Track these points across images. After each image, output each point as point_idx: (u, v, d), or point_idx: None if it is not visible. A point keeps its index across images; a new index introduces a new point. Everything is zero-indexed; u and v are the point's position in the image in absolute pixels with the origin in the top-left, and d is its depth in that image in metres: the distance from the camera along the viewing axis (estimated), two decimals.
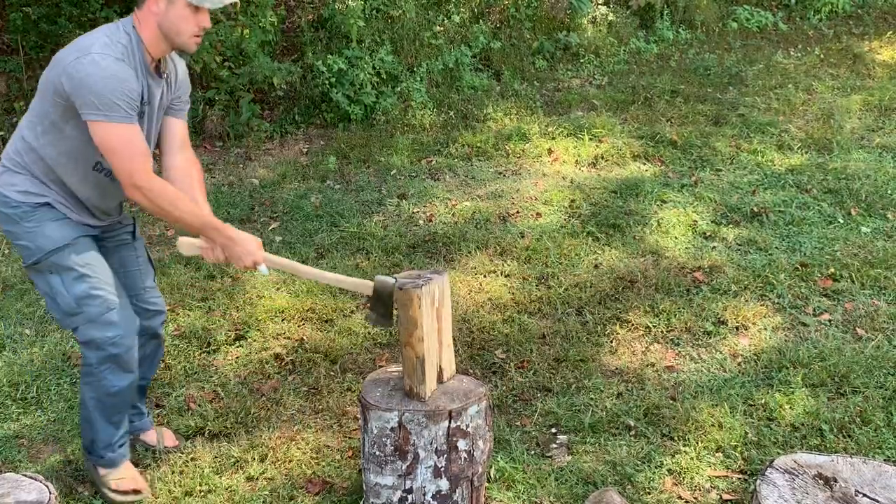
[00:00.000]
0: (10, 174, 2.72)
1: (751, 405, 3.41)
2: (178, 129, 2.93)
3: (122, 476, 2.99)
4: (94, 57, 2.51)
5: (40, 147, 2.67)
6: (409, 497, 2.69)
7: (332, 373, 3.75)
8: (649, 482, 3.01)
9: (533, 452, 3.20)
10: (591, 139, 6.50)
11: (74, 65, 2.50)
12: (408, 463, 2.65)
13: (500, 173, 6.07)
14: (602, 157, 6.19)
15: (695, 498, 2.94)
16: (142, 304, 3.03)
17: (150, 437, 3.25)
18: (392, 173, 6.12)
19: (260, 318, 4.18)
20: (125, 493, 2.98)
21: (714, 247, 4.77)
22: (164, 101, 2.81)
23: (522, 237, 4.97)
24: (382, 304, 2.72)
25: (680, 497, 2.94)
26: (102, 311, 2.74)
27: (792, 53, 8.62)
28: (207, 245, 2.78)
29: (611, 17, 8.88)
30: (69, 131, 2.63)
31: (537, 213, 5.31)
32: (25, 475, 2.40)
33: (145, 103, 2.68)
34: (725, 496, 2.93)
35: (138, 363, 2.97)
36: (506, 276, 4.53)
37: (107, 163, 2.64)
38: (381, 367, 3.46)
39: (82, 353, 2.85)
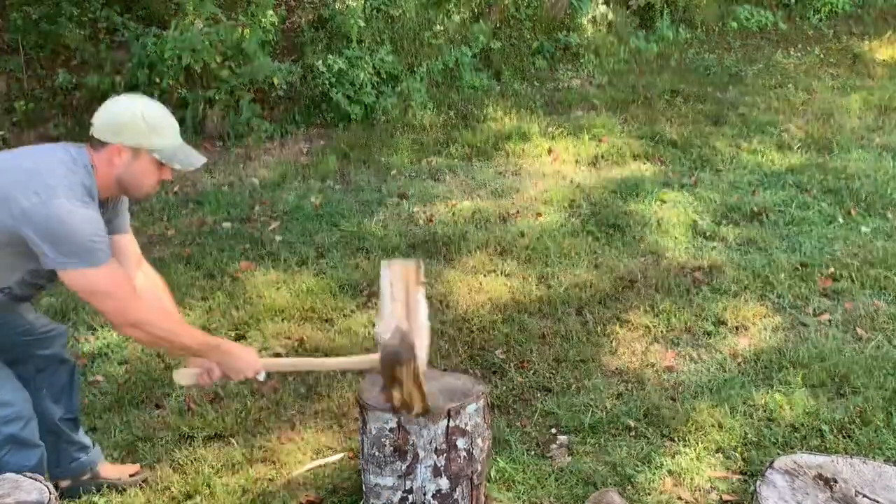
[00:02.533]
0: None
1: (751, 405, 3.41)
2: (129, 246, 2.72)
3: None
4: (61, 202, 2.31)
5: None
6: (410, 497, 2.69)
7: (331, 373, 3.75)
8: (649, 483, 3.01)
9: (533, 453, 3.20)
10: (591, 139, 6.50)
11: (38, 210, 2.29)
12: (407, 463, 2.65)
13: (500, 173, 6.07)
14: (602, 157, 6.19)
15: (695, 498, 2.94)
16: (35, 334, 2.77)
17: (108, 471, 3.03)
18: (392, 173, 6.12)
19: (260, 317, 4.18)
20: None
21: (714, 247, 4.77)
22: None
23: (522, 237, 4.97)
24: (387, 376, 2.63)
25: (680, 498, 2.94)
26: None
27: (792, 53, 8.62)
28: (202, 371, 2.65)
29: (611, 16, 8.88)
30: (9, 260, 2.42)
31: (537, 213, 5.31)
32: (25, 475, 2.39)
33: None
34: (725, 497, 2.93)
35: (57, 397, 2.83)
36: (506, 276, 4.53)
37: (19, 286, 2.48)
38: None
39: None
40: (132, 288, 2.48)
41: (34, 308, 2.83)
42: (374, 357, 2.58)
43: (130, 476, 3.07)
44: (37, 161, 2.41)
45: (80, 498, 2.99)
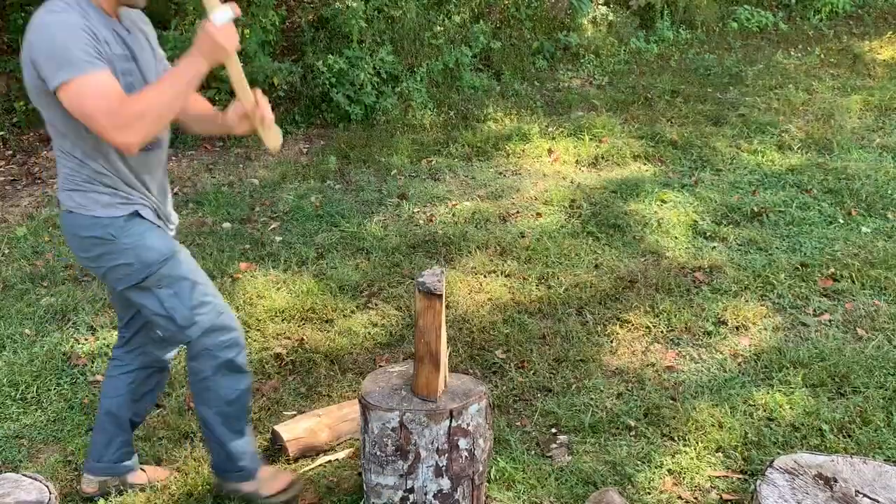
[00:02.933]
0: (81, 194, 2.47)
1: (751, 405, 3.41)
2: None
3: (268, 478, 2.88)
4: (40, 17, 2.24)
5: (83, 154, 2.43)
6: (411, 497, 2.69)
7: (332, 373, 3.75)
8: (649, 482, 3.01)
9: (533, 452, 3.20)
10: (591, 139, 6.50)
11: (26, 45, 2.25)
12: (409, 462, 2.65)
13: (500, 173, 6.07)
14: (602, 157, 6.19)
15: (695, 498, 2.94)
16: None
17: (139, 476, 3.04)
18: (392, 173, 6.12)
19: (260, 318, 4.18)
20: (283, 491, 2.87)
21: (714, 247, 4.77)
22: (154, 59, 2.57)
23: (522, 237, 4.97)
24: None
25: (680, 497, 2.94)
26: (215, 317, 2.63)
27: (792, 53, 8.62)
28: (243, 111, 2.57)
29: (611, 17, 8.88)
30: (77, 121, 2.35)
31: (537, 213, 5.31)
32: (25, 475, 2.40)
33: (121, 57, 2.39)
34: (725, 496, 2.93)
35: (138, 398, 2.89)
36: (506, 276, 4.53)
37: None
38: (381, 367, 3.45)
39: (192, 369, 2.70)
40: (116, 94, 2.25)
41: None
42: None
43: (159, 479, 3.06)
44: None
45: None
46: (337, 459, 3.20)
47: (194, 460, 3.19)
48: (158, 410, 3.53)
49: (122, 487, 2.99)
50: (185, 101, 2.37)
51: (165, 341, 2.85)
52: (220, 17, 2.35)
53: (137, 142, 2.27)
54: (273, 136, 2.67)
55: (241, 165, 6.39)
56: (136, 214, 2.53)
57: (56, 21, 2.23)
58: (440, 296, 2.59)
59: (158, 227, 2.60)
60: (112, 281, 2.58)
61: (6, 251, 5.06)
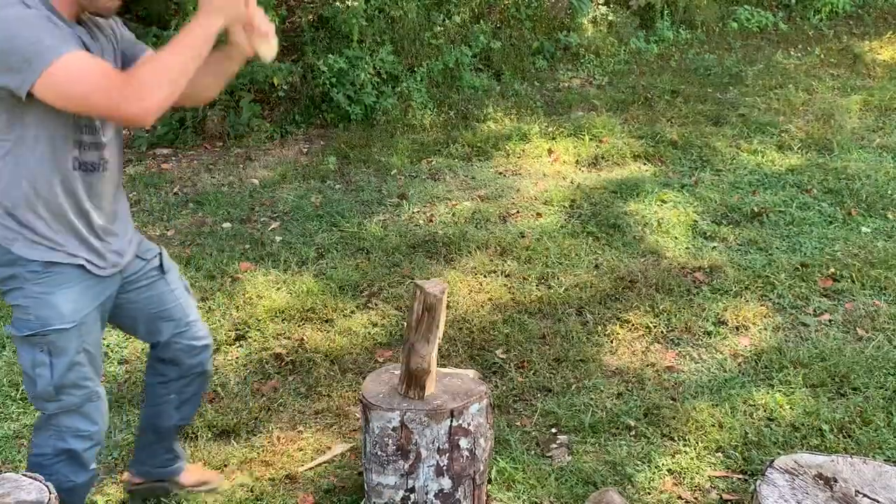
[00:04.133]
0: (3, 226, 2.21)
1: (751, 405, 3.41)
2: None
3: None
4: None
5: (11, 169, 2.15)
6: (412, 496, 2.69)
7: (332, 373, 3.75)
8: (649, 482, 3.01)
9: (533, 452, 3.20)
10: (591, 139, 6.50)
11: None
12: (410, 462, 2.66)
13: (500, 173, 6.07)
14: (602, 157, 6.19)
15: (695, 498, 2.94)
16: (187, 340, 2.66)
17: (187, 476, 2.96)
18: (392, 173, 6.12)
19: (260, 318, 4.18)
20: None
21: (714, 247, 4.77)
22: (116, 56, 2.31)
23: (522, 237, 4.97)
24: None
25: (680, 497, 2.94)
26: (82, 403, 2.40)
27: (792, 53, 8.62)
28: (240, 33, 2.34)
29: (611, 17, 8.88)
30: (28, 119, 2.10)
31: (537, 213, 5.31)
32: (25, 475, 2.39)
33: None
34: (725, 496, 2.94)
35: (181, 405, 2.77)
36: (506, 276, 4.53)
37: (85, 151, 2.19)
38: (381, 366, 3.46)
39: (35, 441, 2.45)
40: (109, 72, 2.04)
41: (195, 308, 2.69)
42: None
43: (206, 484, 3.01)
44: None
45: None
46: (336, 458, 3.20)
47: (194, 460, 3.19)
48: None
49: (171, 488, 2.96)
50: (200, 63, 2.10)
51: (194, 348, 2.67)
52: None
53: (155, 107, 2.02)
54: (269, 48, 2.41)
55: (241, 165, 6.39)
56: (57, 263, 2.24)
57: (13, 15, 1.98)
58: (438, 303, 2.59)
59: (86, 281, 2.30)
60: (14, 319, 2.32)
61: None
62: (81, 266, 2.29)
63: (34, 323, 2.25)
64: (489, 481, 2.98)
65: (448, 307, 4.21)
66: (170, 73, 2.03)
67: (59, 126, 2.14)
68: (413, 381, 2.67)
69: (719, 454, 3.15)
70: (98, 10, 2.20)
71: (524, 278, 4.50)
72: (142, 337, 2.70)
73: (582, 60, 8.37)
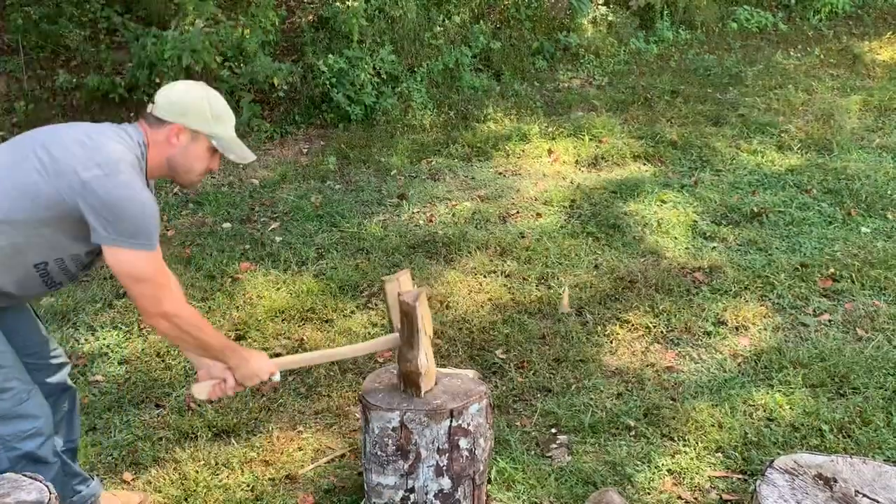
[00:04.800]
0: None
1: (751, 405, 3.41)
2: None
3: None
4: (126, 179, 2.27)
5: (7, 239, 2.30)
6: (412, 496, 2.69)
7: (332, 373, 3.75)
8: (649, 482, 3.01)
9: (533, 452, 3.20)
10: (591, 139, 6.50)
11: (102, 184, 2.24)
12: (410, 462, 2.66)
13: (500, 173, 6.07)
14: (602, 158, 6.19)
15: (695, 498, 2.94)
16: (45, 360, 2.68)
17: (110, 501, 2.92)
18: (392, 173, 6.12)
19: (260, 318, 4.18)
20: None
21: (714, 247, 4.77)
22: None
23: (522, 237, 4.97)
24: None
25: (680, 497, 2.94)
26: (15, 404, 2.42)
27: (792, 54, 8.62)
28: (216, 382, 2.67)
29: (611, 17, 8.88)
30: (42, 231, 2.31)
31: (537, 213, 5.31)
32: (25, 475, 2.39)
33: None
34: (725, 496, 2.94)
35: (58, 427, 2.70)
36: (506, 276, 4.53)
37: (56, 266, 2.40)
38: (381, 366, 3.46)
39: None
40: (169, 280, 2.45)
41: (46, 332, 2.74)
42: (392, 336, 2.67)
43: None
44: (93, 135, 2.35)
45: None
46: (336, 459, 3.20)
47: (194, 460, 3.19)
48: (158, 410, 3.53)
49: None
50: (197, 351, 2.56)
51: (41, 370, 2.66)
52: (278, 377, 2.71)
53: (163, 327, 2.41)
54: (200, 390, 2.72)
55: (240, 165, 6.39)
56: None
57: (147, 198, 2.32)
58: (412, 311, 2.60)
59: None
60: None
61: None
62: None
63: None
64: (489, 481, 2.98)
65: (448, 307, 4.21)
66: (194, 333, 2.45)
67: (67, 252, 2.39)
68: (407, 381, 2.69)
69: (719, 454, 3.15)
70: (184, 184, 2.60)
71: (524, 278, 4.50)
72: None
73: (582, 61, 8.37)
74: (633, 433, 3.28)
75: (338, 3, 7.32)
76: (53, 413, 2.67)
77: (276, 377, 2.70)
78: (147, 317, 2.42)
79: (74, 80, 6.94)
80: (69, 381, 2.79)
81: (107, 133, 2.38)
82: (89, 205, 2.25)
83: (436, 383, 2.75)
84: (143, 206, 2.29)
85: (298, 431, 3.38)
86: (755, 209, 5.18)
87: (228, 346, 2.61)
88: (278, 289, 4.47)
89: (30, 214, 2.29)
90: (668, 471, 3.07)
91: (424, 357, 2.66)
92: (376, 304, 4.30)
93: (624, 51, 8.61)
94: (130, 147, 2.37)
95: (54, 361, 2.72)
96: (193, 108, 2.43)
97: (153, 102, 2.46)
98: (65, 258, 2.41)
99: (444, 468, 2.67)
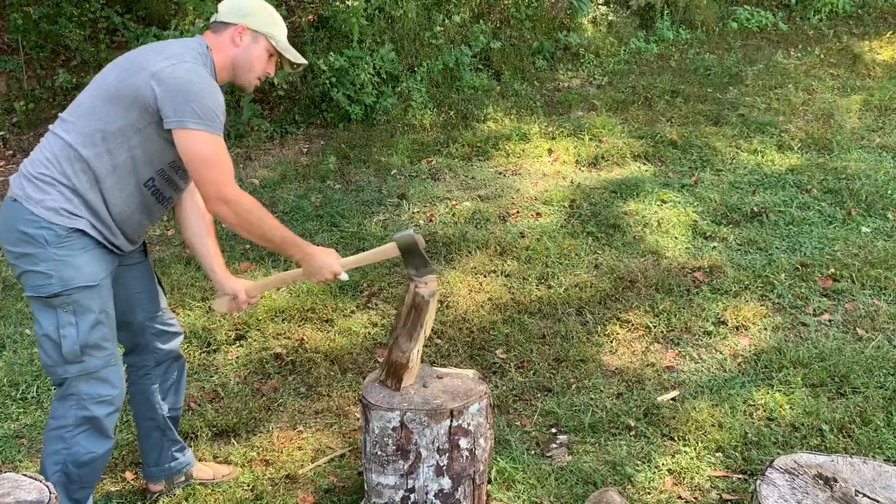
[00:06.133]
0: (38, 187, 2.40)
1: (751, 405, 3.41)
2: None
3: None
4: (191, 66, 2.42)
5: (93, 156, 2.41)
6: (412, 496, 2.69)
7: (332, 373, 3.75)
8: (649, 482, 3.01)
9: (533, 452, 3.20)
10: (591, 139, 6.50)
11: (170, 71, 2.38)
12: (410, 462, 2.66)
13: (500, 173, 6.07)
14: (602, 157, 6.19)
15: (695, 498, 2.94)
16: (160, 325, 2.82)
17: (203, 472, 3.06)
18: (392, 173, 6.12)
19: (260, 318, 4.18)
20: None
21: (714, 247, 4.77)
22: None
23: (522, 237, 4.97)
24: (415, 256, 2.71)
25: (680, 497, 2.94)
26: (102, 366, 2.50)
27: (792, 53, 8.62)
28: (232, 296, 2.78)
29: (611, 17, 8.89)
30: (136, 141, 2.43)
31: (537, 213, 5.31)
32: (25, 475, 2.39)
33: None
34: (725, 496, 2.94)
35: (166, 393, 2.88)
36: (506, 276, 4.53)
37: (162, 179, 2.53)
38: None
39: (53, 412, 2.53)
40: (231, 169, 2.50)
41: (165, 301, 2.88)
42: (391, 245, 2.72)
43: (224, 476, 3.08)
44: (161, 43, 2.54)
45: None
46: (336, 459, 3.20)
47: (197, 460, 3.19)
48: None
49: (187, 482, 3.02)
50: (260, 242, 2.63)
51: (159, 335, 2.82)
52: (345, 276, 2.70)
53: (223, 212, 2.47)
54: (221, 304, 2.83)
55: (241, 165, 6.39)
56: (80, 231, 2.43)
57: (206, 75, 2.45)
58: (424, 305, 2.65)
59: (102, 248, 2.49)
60: (25, 285, 2.46)
61: None
62: (96, 238, 2.47)
63: (55, 284, 2.39)
64: (489, 481, 2.99)
65: (448, 307, 4.21)
66: (255, 222, 2.52)
67: (164, 160, 2.50)
68: (391, 371, 2.70)
69: (719, 454, 3.15)
70: (242, 87, 2.66)
71: (524, 278, 4.50)
72: (118, 314, 2.74)
73: (582, 60, 8.37)
74: (633, 433, 3.28)
75: (338, 3, 7.32)
76: (162, 381, 2.87)
77: (344, 276, 2.68)
78: (209, 202, 2.47)
79: (74, 79, 6.94)
80: (180, 351, 2.93)
81: (171, 42, 2.55)
82: (161, 90, 2.37)
83: (425, 386, 2.75)
84: (209, 88, 2.41)
85: (298, 431, 3.38)
86: (755, 209, 5.18)
87: (291, 239, 2.63)
88: (278, 288, 4.47)
89: (122, 123, 2.41)
90: (669, 470, 3.07)
91: (416, 353, 2.68)
92: (376, 304, 4.31)
93: (624, 50, 8.61)
94: (195, 48, 2.51)
95: (170, 329, 2.87)
96: (255, 10, 2.59)
97: (216, 10, 2.63)
98: (165, 168, 2.52)
99: (445, 468, 2.67)
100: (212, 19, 2.63)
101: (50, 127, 2.53)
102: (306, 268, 2.65)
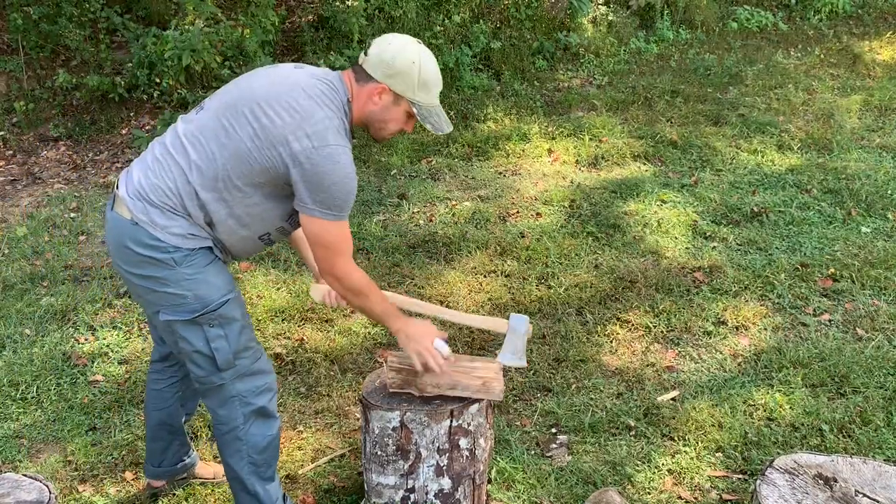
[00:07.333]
0: (164, 214, 2.37)
1: (751, 405, 3.41)
2: None
3: None
4: (333, 152, 2.32)
5: (211, 200, 2.38)
6: (412, 496, 2.70)
7: (332, 373, 3.75)
8: (649, 482, 3.01)
9: (533, 452, 3.20)
10: (591, 139, 6.50)
11: (309, 155, 2.29)
12: (410, 462, 2.66)
13: (500, 173, 6.07)
14: (602, 157, 6.19)
15: (695, 498, 2.94)
16: None
17: (204, 470, 3.09)
18: (392, 173, 6.12)
19: (260, 318, 4.18)
20: None
21: (714, 247, 4.77)
22: None
23: (522, 237, 4.97)
24: (519, 342, 2.75)
25: (680, 497, 2.94)
26: (252, 362, 2.56)
27: (792, 53, 8.62)
28: (326, 293, 2.85)
29: (611, 17, 8.89)
30: (255, 199, 2.40)
31: (537, 213, 5.31)
32: (25, 475, 2.40)
33: None
34: (725, 496, 2.94)
35: (187, 398, 2.90)
36: (506, 276, 4.53)
37: (277, 233, 2.54)
38: (381, 366, 3.46)
39: (219, 419, 2.59)
40: (350, 247, 2.50)
41: None
42: (503, 322, 2.79)
43: (224, 476, 3.02)
44: (302, 101, 2.36)
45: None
46: (336, 459, 3.20)
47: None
48: None
49: (188, 481, 3.05)
50: (361, 312, 2.64)
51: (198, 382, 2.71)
52: (442, 346, 2.66)
53: (332, 284, 2.51)
54: (317, 292, 2.94)
55: None
56: (204, 248, 2.44)
57: (350, 164, 2.37)
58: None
59: (222, 260, 2.52)
60: (153, 304, 2.46)
61: (6, 251, 5.06)
62: (216, 255, 2.49)
63: (195, 304, 2.41)
64: (489, 481, 2.99)
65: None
66: (358, 296, 2.52)
67: (283, 218, 2.51)
68: (406, 383, 2.69)
69: (719, 454, 3.15)
70: (375, 138, 2.58)
71: (524, 278, 4.50)
72: (156, 333, 2.79)
73: (582, 60, 8.37)
74: (633, 433, 3.28)
75: (338, 3, 7.33)
76: (188, 385, 2.86)
77: (445, 349, 2.66)
78: (322, 273, 2.51)
79: (74, 79, 6.94)
80: None
81: (316, 95, 2.38)
82: (297, 174, 2.32)
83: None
84: (345, 180, 2.34)
85: (298, 431, 3.38)
86: (755, 209, 5.18)
87: (390, 315, 2.60)
88: (278, 289, 4.47)
89: (248, 180, 2.36)
90: (669, 471, 3.07)
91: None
92: None
93: (624, 50, 8.61)
94: (337, 109, 2.40)
95: None
96: (402, 71, 2.42)
97: (366, 53, 2.46)
98: (283, 226, 2.53)
99: (445, 468, 2.67)
100: (360, 60, 2.48)
101: (168, 143, 2.45)
102: (402, 338, 2.63)
